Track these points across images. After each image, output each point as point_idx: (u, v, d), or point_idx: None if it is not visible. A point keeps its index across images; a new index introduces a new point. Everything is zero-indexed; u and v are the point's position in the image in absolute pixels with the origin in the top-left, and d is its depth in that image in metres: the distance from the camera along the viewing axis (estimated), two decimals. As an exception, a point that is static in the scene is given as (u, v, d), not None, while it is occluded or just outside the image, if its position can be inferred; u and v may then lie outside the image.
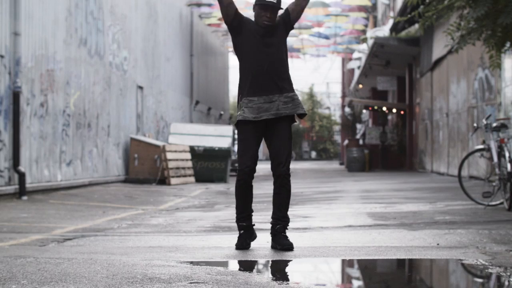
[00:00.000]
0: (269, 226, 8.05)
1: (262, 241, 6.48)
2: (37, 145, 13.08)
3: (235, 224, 8.06)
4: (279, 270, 5.19)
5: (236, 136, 25.67)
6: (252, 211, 6.00)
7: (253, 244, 6.28)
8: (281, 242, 5.82)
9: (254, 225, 6.02)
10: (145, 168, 18.62)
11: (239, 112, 5.83)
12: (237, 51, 5.98)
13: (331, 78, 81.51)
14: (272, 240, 5.92)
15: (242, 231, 5.94)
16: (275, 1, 5.77)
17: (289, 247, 5.75)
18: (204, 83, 32.05)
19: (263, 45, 5.82)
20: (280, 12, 5.97)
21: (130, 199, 13.42)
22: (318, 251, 5.76)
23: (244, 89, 5.86)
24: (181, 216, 9.76)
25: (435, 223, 7.98)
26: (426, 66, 23.92)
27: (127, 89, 19.27)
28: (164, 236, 7.22)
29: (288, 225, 5.94)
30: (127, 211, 10.68)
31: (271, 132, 5.86)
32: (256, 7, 5.83)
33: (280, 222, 5.90)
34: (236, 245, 5.92)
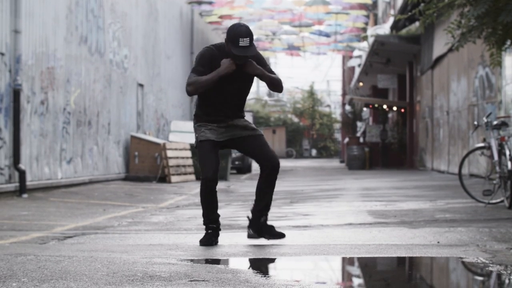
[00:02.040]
0: (268, 224, 8.06)
1: (262, 240, 6.48)
2: (38, 142, 13.08)
3: (236, 222, 8.06)
4: (279, 268, 5.19)
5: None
6: (219, 215, 6.09)
7: (253, 242, 6.28)
8: (273, 233, 6.02)
9: (220, 229, 6.13)
10: (145, 166, 18.62)
11: (199, 134, 5.97)
12: None
13: (331, 76, 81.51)
14: (259, 232, 6.05)
15: (210, 231, 6.05)
16: (251, 52, 5.69)
17: (282, 235, 5.99)
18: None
19: (230, 80, 5.88)
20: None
21: (131, 197, 13.42)
22: (318, 249, 5.76)
23: (201, 116, 6.02)
24: (181, 214, 9.76)
25: (436, 221, 7.98)
26: (426, 64, 23.91)
27: (128, 87, 19.27)
28: (165, 234, 7.22)
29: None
30: (128, 209, 10.68)
31: (239, 142, 6.05)
32: (230, 49, 5.73)
33: (264, 213, 6.06)
34: (201, 241, 6.00)
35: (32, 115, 12.85)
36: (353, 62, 38.07)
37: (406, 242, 6.15)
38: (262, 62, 5.97)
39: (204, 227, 6.09)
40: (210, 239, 6.00)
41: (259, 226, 6.06)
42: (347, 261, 5.41)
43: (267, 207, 6.09)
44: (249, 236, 6.15)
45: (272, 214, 9.37)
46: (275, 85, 5.97)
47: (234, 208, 10.74)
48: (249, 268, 5.04)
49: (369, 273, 5.10)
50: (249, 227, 6.14)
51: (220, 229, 6.12)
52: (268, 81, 5.93)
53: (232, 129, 6.00)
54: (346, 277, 4.98)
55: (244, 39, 5.66)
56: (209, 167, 5.87)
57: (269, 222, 6.14)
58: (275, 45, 33.83)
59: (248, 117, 51.12)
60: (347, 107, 42.05)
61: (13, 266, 4.75)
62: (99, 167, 16.69)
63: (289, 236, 6.78)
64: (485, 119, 9.93)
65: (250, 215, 6.13)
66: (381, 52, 26.43)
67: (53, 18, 13.81)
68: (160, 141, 19.19)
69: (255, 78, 6.10)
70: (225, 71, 5.77)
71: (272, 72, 6.02)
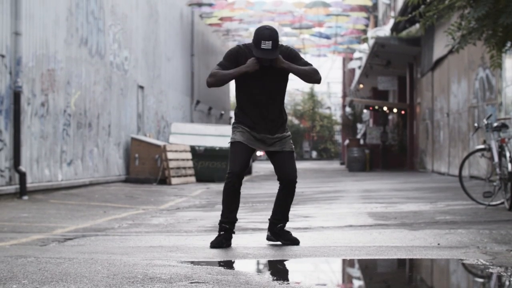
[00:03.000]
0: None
1: (262, 241, 6.49)
2: (38, 144, 13.08)
3: (237, 224, 8.06)
4: (280, 270, 5.19)
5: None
6: (236, 219, 6.10)
7: (253, 244, 6.28)
8: (288, 237, 6.12)
9: (234, 233, 6.12)
10: (145, 168, 18.63)
11: (232, 135, 6.07)
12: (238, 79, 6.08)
13: (332, 78, 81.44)
14: (276, 236, 6.16)
15: (223, 232, 6.03)
16: (273, 54, 5.72)
17: (296, 240, 6.10)
18: (205, 83, 32.05)
19: (257, 81, 5.92)
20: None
21: (131, 198, 13.43)
22: (318, 251, 5.76)
23: (239, 117, 6.10)
24: (182, 216, 9.76)
25: (436, 223, 7.98)
26: (427, 66, 23.92)
27: (128, 89, 19.27)
28: (165, 236, 7.22)
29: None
30: (128, 211, 10.68)
31: (268, 153, 6.17)
32: (254, 50, 5.79)
33: (281, 222, 6.18)
34: (212, 243, 5.99)
35: (33, 117, 12.86)
36: (353, 64, 38.07)
37: (407, 244, 6.15)
38: (294, 57, 5.95)
39: (218, 227, 6.09)
40: (220, 241, 5.98)
41: (276, 231, 6.17)
42: (348, 263, 5.41)
43: (284, 218, 6.18)
44: (268, 239, 6.27)
45: (273, 216, 9.37)
46: (308, 76, 5.94)
47: (235, 210, 10.72)
48: (249, 270, 5.04)
49: (370, 275, 5.10)
50: (268, 230, 6.24)
51: (233, 232, 6.08)
52: (298, 74, 5.91)
53: (263, 141, 6.02)
54: (347, 279, 4.98)
55: (267, 42, 5.71)
56: (236, 163, 5.90)
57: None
58: (276, 47, 33.80)
59: None
60: (348, 109, 42.06)
61: (13, 268, 4.75)
62: (100, 169, 16.69)
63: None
64: (485, 121, 9.93)
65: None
66: (382, 54, 26.44)
67: (54, 20, 13.82)
68: (160, 143, 19.20)
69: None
70: (247, 69, 5.83)
71: (308, 65, 5.96)
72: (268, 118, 5.99)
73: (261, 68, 5.86)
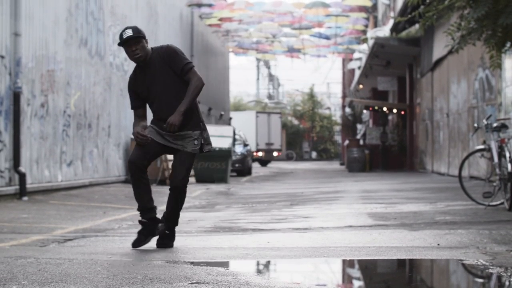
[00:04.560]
0: (269, 226, 8.07)
1: (263, 241, 6.49)
2: (38, 145, 13.08)
3: (236, 225, 8.06)
4: (279, 271, 5.19)
5: (237, 137, 25.73)
6: (150, 206, 6.13)
7: (253, 244, 6.27)
8: (161, 243, 6.13)
9: (158, 221, 6.14)
10: (145, 169, 18.62)
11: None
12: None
13: (331, 79, 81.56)
14: (155, 235, 6.15)
15: (142, 227, 6.11)
16: (131, 34, 5.91)
17: (167, 246, 6.11)
18: (205, 84, 32.03)
19: (149, 78, 6.03)
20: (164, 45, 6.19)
21: (131, 199, 13.39)
22: (318, 251, 5.76)
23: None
24: (181, 217, 9.70)
25: (436, 223, 7.98)
26: (426, 66, 23.92)
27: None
28: (165, 236, 7.20)
29: (174, 227, 6.24)
30: (128, 212, 10.68)
31: (172, 151, 6.13)
32: (124, 48, 5.99)
33: (167, 224, 6.18)
34: (132, 243, 6.06)
35: (32, 117, 12.85)
36: (353, 65, 38.06)
37: (406, 244, 6.15)
38: (172, 59, 6.01)
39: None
40: (139, 239, 6.06)
41: (158, 232, 6.15)
42: (347, 263, 5.41)
43: (169, 220, 6.18)
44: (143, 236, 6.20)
45: (273, 216, 9.38)
46: (198, 92, 6.08)
47: (234, 211, 10.73)
48: (249, 271, 5.04)
49: (369, 275, 5.10)
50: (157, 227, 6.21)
51: (157, 220, 6.12)
52: (193, 101, 6.01)
53: (165, 136, 6.05)
54: (346, 279, 4.98)
55: (127, 30, 5.94)
56: (134, 153, 6.00)
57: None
58: (275, 48, 33.84)
59: (276, 119, 50.02)
60: (347, 110, 42.06)
61: (13, 269, 4.75)
62: (99, 170, 16.68)
63: (289, 238, 6.79)
64: (485, 121, 9.93)
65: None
66: (381, 54, 26.44)
67: (53, 21, 13.82)
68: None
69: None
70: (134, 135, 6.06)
71: (187, 67, 6.00)
72: (165, 117, 5.99)
73: (145, 79, 6.01)
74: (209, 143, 6.17)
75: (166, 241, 6.13)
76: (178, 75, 6.01)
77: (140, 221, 6.09)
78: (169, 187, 6.14)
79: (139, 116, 6.14)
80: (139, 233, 6.07)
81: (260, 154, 43.68)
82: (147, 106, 6.20)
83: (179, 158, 6.05)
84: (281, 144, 46.87)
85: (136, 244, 6.02)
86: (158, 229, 6.11)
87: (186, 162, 6.04)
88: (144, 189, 6.05)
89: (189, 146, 6.02)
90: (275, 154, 45.43)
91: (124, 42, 5.92)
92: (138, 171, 5.97)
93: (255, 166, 40.37)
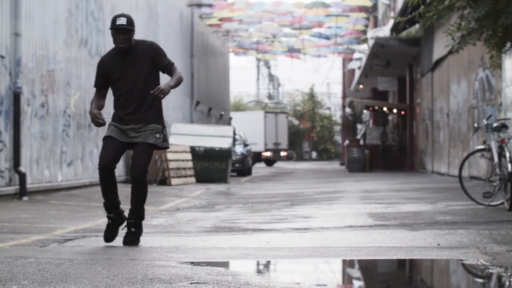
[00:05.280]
0: (269, 226, 8.07)
1: (263, 241, 6.49)
2: (38, 145, 13.08)
3: (236, 225, 8.07)
4: (280, 271, 5.19)
5: (237, 137, 25.73)
6: (117, 203, 6.38)
7: (253, 244, 6.27)
8: (128, 240, 6.32)
9: (122, 212, 6.42)
10: (145, 169, 18.61)
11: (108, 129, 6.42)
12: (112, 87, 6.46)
13: (331, 79, 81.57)
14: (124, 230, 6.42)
15: (110, 221, 6.38)
16: (125, 23, 6.21)
17: (131, 243, 6.30)
18: (205, 84, 32.04)
19: (124, 67, 6.30)
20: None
21: (131, 199, 13.41)
22: (318, 251, 5.76)
23: (114, 113, 6.45)
24: (181, 217, 9.75)
25: (436, 223, 7.98)
26: (426, 66, 23.92)
27: (128, 90, 19.27)
28: (165, 236, 7.22)
29: (139, 222, 6.38)
30: (128, 212, 10.67)
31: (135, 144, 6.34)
32: (112, 31, 6.28)
33: (132, 219, 6.35)
34: (104, 237, 6.37)
35: (32, 118, 12.85)
36: (353, 65, 38.06)
37: (407, 244, 6.15)
38: (158, 54, 6.35)
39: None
40: (110, 233, 6.35)
41: (125, 226, 6.38)
42: (348, 264, 5.41)
43: (132, 214, 6.32)
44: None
45: (273, 216, 9.38)
46: (179, 83, 6.33)
47: (234, 211, 10.73)
48: (249, 271, 5.04)
49: (370, 275, 5.10)
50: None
51: (123, 217, 6.39)
52: (176, 87, 6.29)
53: (129, 132, 6.29)
54: (347, 279, 4.98)
55: (121, 17, 6.26)
56: (104, 156, 6.23)
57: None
58: (275, 48, 33.84)
59: (283, 119, 49.97)
60: (347, 110, 42.05)
61: (13, 269, 4.75)
62: (99, 170, 16.67)
63: (289, 238, 6.79)
64: (485, 121, 9.93)
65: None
66: (381, 54, 26.43)
67: (53, 21, 13.82)
68: (160, 143, 19.16)
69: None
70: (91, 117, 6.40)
71: (171, 66, 6.33)
72: (132, 111, 6.27)
73: (122, 65, 6.28)
74: (167, 141, 6.41)
75: (132, 238, 6.34)
76: (161, 70, 6.33)
77: (108, 216, 6.38)
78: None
79: (100, 95, 6.46)
80: (109, 226, 6.38)
81: (268, 154, 43.70)
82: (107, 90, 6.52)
83: (139, 149, 6.23)
84: (288, 144, 46.94)
85: (109, 237, 6.36)
86: (124, 218, 6.40)
87: (146, 153, 6.25)
88: (113, 189, 6.34)
89: (151, 138, 6.26)
90: (282, 154, 45.51)
91: (115, 28, 6.21)
92: (109, 174, 6.25)
93: (260, 166, 40.40)
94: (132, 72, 6.27)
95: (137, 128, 6.24)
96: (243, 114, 47.05)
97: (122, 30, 6.20)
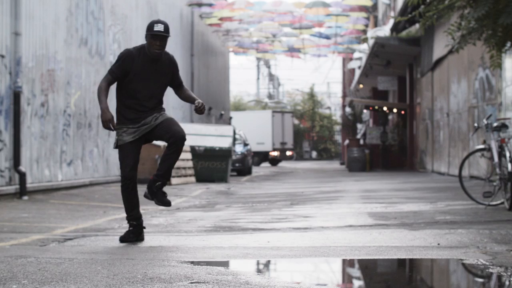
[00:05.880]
0: (269, 226, 8.07)
1: (263, 241, 6.49)
2: (38, 145, 13.08)
3: (236, 224, 8.07)
4: (280, 270, 5.19)
5: (237, 136, 25.72)
6: (140, 215, 6.55)
7: (253, 244, 6.27)
8: (161, 199, 6.50)
9: (144, 228, 6.65)
10: (145, 168, 18.61)
11: (117, 138, 6.55)
12: (125, 81, 6.60)
13: (331, 78, 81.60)
14: (152, 194, 6.53)
15: (132, 228, 6.50)
16: (163, 30, 6.31)
17: (168, 203, 6.51)
18: (205, 83, 32.05)
19: (152, 71, 6.47)
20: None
21: (131, 199, 13.40)
22: (318, 251, 5.76)
23: (121, 115, 6.63)
24: (181, 216, 9.75)
25: (436, 223, 7.98)
26: (426, 66, 23.92)
27: (128, 89, 19.27)
28: (165, 236, 7.22)
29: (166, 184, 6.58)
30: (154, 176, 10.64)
31: (152, 132, 6.52)
32: (148, 36, 6.36)
33: (161, 179, 6.47)
34: (121, 237, 6.47)
35: (33, 117, 12.86)
36: (353, 64, 38.06)
37: (407, 244, 6.15)
38: (175, 67, 6.65)
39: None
40: (128, 236, 6.47)
41: (153, 190, 6.49)
42: (348, 263, 5.41)
43: (163, 175, 6.46)
44: (144, 196, 6.58)
45: (273, 215, 9.38)
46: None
47: (234, 210, 10.73)
48: (249, 270, 5.04)
49: (370, 275, 5.10)
50: (147, 187, 6.53)
51: (143, 227, 6.60)
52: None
53: (142, 126, 6.49)
54: (347, 279, 4.98)
55: (160, 24, 6.34)
56: (126, 166, 6.41)
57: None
58: (276, 47, 33.84)
59: (289, 118, 49.99)
60: (347, 109, 42.05)
61: (13, 268, 4.75)
62: (100, 169, 16.69)
63: (289, 238, 6.79)
64: (485, 121, 9.92)
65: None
66: (381, 54, 26.44)
67: (53, 20, 13.82)
68: (160, 143, 19.17)
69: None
70: (102, 114, 6.53)
71: (182, 82, 6.77)
72: (147, 108, 6.51)
73: (150, 69, 6.43)
74: None
75: (166, 200, 6.53)
76: (175, 85, 6.71)
77: (130, 224, 6.53)
78: (169, 143, 6.43)
79: (111, 83, 6.61)
80: (129, 232, 6.49)
81: (276, 153, 43.69)
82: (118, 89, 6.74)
83: (167, 122, 6.45)
84: (293, 144, 46.95)
85: (125, 239, 6.46)
86: (154, 191, 6.51)
87: (175, 121, 6.52)
88: (134, 201, 6.52)
89: (165, 115, 6.55)
90: (288, 153, 45.54)
91: (153, 34, 6.29)
92: (132, 184, 6.45)
93: (264, 165, 40.39)
94: (155, 80, 6.47)
95: (152, 116, 6.47)
96: (250, 114, 47.01)
97: (160, 36, 6.31)
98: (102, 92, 6.48)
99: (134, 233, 6.48)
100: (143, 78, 6.43)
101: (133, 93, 6.49)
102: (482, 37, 9.12)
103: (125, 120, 6.51)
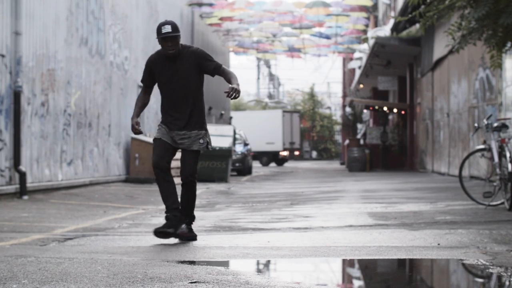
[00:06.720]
0: (269, 226, 8.07)
1: (263, 241, 6.49)
2: (38, 144, 13.08)
3: (236, 224, 8.07)
4: (280, 270, 5.19)
5: (237, 136, 25.72)
6: (177, 204, 6.49)
7: (253, 244, 6.27)
8: (187, 237, 6.50)
9: (184, 220, 6.52)
10: (146, 168, 18.62)
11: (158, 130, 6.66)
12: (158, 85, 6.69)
13: (332, 78, 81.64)
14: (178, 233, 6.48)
15: (167, 221, 6.48)
16: (170, 31, 6.37)
17: (193, 238, 6.51)
18: (205, 83, 32.00)
19: (172, 72, 6.50)
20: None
21: (131, 198, 13.43)
22: (319, 251, 5.76)
23: (162, 116, 6.70)
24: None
25: (436, 223, 7.98)
26: (427, 66, 23.92)
27: (128, 89, 19.28)
28: (165, 235, 7.21)
29: (193, 222, 6.65)
30: (128, 211, 10.68)
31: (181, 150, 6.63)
32: (159, 39, 6.44)
33: (186, 219, 6.54)
34: (155, 230, 6.44)
35: (33, 117, 12.86)
36: (353, 64, 38.07)
37: (407, 244, 6.15)
38: (204, 58, 6.57)
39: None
40: (162, 228, 6.41)
41: (180, 233, 6.48)
42: (348, 263, 5.41)
43: (186, 215, 6.52)
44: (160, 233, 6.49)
45: (273, 215, 9.38)
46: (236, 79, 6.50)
47: (235, 210, 10.73)
48: (249, 270, 5.04)
49: (370, 275, 5.10)
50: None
51: (181, 218, 6.47)
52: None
53: (173, 137, 6.52)
54: (347, 279, 4.98)
55: (166, 25, 6.40)
56: (156, 156, 6.47)
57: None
58: (276, 47, 33.85)
59: (296, 118, 49.78)
60: (348, 109, 42.04)
61: (13, 268, 4.75)
62: (100, 169, 16.69)
63: (289, 238, 6.79)
64: (485, 121, 9.92)
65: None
66: (382, 54, 26.44)
67: (54, 20, 13.82)
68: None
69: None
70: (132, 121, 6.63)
71: (220, 67, 6.61)
72: (178, 115, 6.51)
73: (170, 69, 6.49)
74: (210, 143, 6.65)
75: (192, 237, 6.52)
76: (211, 74, 6.62)
77: (165, 216, 6.49)
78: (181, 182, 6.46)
79: (146, 92, 6.73)
80: (164, 226, 6.43)
81: (285, 153, 43.68)
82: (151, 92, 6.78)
83: (185, 156, 6.50)
84: (300, 143, 46.97)
85: (158, 233, 6.41)
86: (181, 229, 6.46)
87: (192, 158, 6.49)
88: (169, 190, 6.47)
89: (195, 145, 6.49)
90: (296, 153, 45.63)
91: (162, 37, 6.35)
92: (162, 173, 6.43)
93: (256, 166, 40.34)
94: (179, 78, 6.50)
95: (181, 134, 6.49)
96: (259, 114, 46.97)
97: (169, 37, 6.37)
98: (137, 100, 6.72)
99: (169, 226, 6.39)
100: (168, 79, 6.51)
101: (165, 95, 6.60)
102: (483, 37, 9.12)
103: (163, 121, 6.62)
